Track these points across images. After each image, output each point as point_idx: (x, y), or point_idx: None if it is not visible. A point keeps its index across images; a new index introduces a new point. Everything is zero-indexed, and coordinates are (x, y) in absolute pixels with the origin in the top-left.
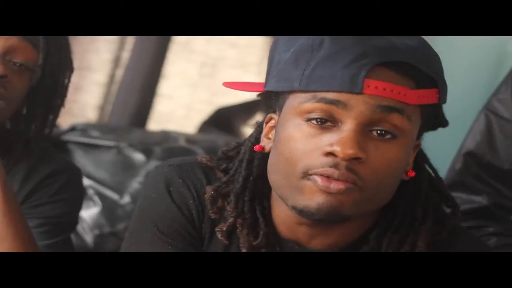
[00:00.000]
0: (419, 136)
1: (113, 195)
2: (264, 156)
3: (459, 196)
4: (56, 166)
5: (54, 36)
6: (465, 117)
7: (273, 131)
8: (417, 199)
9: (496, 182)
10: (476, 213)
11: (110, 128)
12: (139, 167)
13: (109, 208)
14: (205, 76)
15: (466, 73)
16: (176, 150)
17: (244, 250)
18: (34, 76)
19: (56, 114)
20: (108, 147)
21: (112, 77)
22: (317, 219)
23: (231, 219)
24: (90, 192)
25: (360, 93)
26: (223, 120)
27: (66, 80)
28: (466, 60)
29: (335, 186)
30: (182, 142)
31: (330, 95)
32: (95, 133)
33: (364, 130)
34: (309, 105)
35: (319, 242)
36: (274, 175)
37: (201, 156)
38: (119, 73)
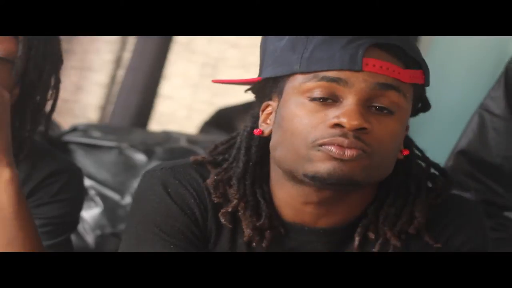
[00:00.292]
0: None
1: (115, 196)
2: (261, 143)
3: None
4: (57, 165)
5: None
6: (465, 117)
7: (271, 116)
8: (409, 176)
9: (488, 179)
10: None
11: (112, 128)
12: (140, 168)
13: (110, 209)
14: (206, 76)
15: (466, 73)
16: (178, 151)
17: (248, 231)
18: (15, 68)
19: (49, 109)
20: (110, 148)
21: (113, 77)
22: (328, 183)
23: (235, 201)
24: (92, 192)
25: (360, 70)
26: (224, 120)
27: (55, 73)
28: (466, 60)
29: (348, 153)
30: (183, 143)
31: (331, 74)
32: (96, 133)
33: (365, 105)
34: (310, 84)
35: (324, 222)
36: (280, 151)
37: (193, 156)
38: (120, 73)
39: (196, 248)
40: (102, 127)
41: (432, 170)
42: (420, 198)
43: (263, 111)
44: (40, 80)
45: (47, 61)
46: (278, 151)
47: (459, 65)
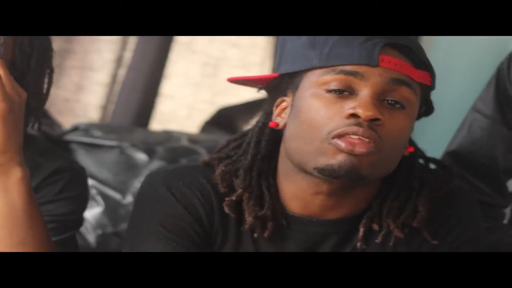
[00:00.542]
0: None
1: (116, 195)
2: (271, 137)
3: None
4: (60, 164)
5: None
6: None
7: (286, 111)
8: (412, 172)
9: (476, 180)
10: None
11: (113, 128)
12: (141, 167)
13: (111, 208)
14: (207, 76)
15: (467, 73)
16: (179, 150)
17: (249, 219)
18: None
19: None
20: (111, 147)
21: (114, 77)
22: (337, 176)
23: (239, 191)
24: (93, 192)
25: (376, 65)
26: (226, 120)
27: (46, 62)
28: (468, 60)
29: (358, 149)
30: (184, 142)
31: (349, 67)
32: (97, 133)
33: (378, 99)
34: (328, 77)
35: (332, 214)
36: (294, 142)
37: (200, 158)
38: (122, 73)
39: (198, 248)
40: (103, 126)
41: (433, 166)
42: (423, 193)
43: (277, 106)
44: (29, 68)
45: (34, 49)
46: (292, 143)
47: (460, 65)
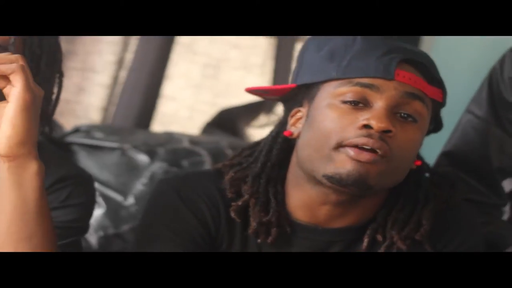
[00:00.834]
0: None
1: (117, 197)
2: (283, 146)
3: None
4: (67, 170)
5: None
6: None
7: (301, 121)
8: (418, 186)
9: (471, 179)
10: None
11: (114, 129)
12: (143, 169)
13: (113, 210)
14: (208, 77)
15: (469, 73)
16: (180, 152)
17: (254, 224)
18: None
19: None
20: (112, 149)
21: (115, 78)
22: (345, 185)
23: (246, 196)
24: None
25: (392, 79)
26: (227, 121)
27: (56, 65)
28: (469, 60)
29: (365, 156)
30: (186, 144)
31: (365, 80)
32: (98, 134)
33: (392, 111)
34: (344, 89)
35: (338, 223)
36: (306, 150)
37: (213, 166)
38: (123, 74)
39: (203, 250)
40: (104, 128)
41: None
42: (427, 207)
43: (292, 116)
44: (38, 70)
45: (43, 50)
46: (304, 151)
47: (461, 65)
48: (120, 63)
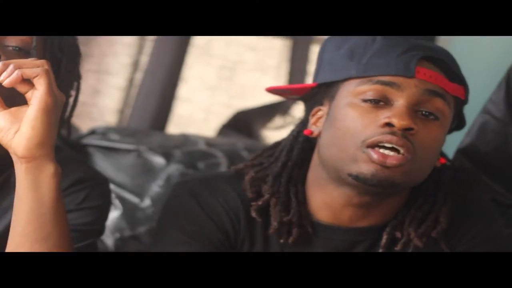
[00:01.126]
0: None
1: (134, 199)
2: (304, 146)
3: None
4: (83, 173)
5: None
6: None
7: (322, 120)
8: (439, 184)
9: (489, 179)
10: None
11: (130, 131)
12: (159, 171)
13: (129, 212)
14: (224, 79)
15: (485, 73)
16: (196, 154)
17: (274, 224)
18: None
19: (71, 106)
20: (128, 151)
21: (131, 80)
22: (370, 185)
23: (266, 196)
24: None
25: (412, 77)
26: (243, 123)
27: (75, 68)
28: (485, 60)
29: (390, 161)
30: (201, 146)
31: (386, 78)
32: (114, 136)
33: (413, 109)
34: (365, 87)
35: (361, 223)
36: (329, 150)
37: (233, 167)
38: (138, 76)
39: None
40: (120, 130)
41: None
42: (446, 205)
43: (313, 115)
44: (58, 73)
45: (64, 53)
46: (327, 150)
47: (478, 65)
48: (135, 65)
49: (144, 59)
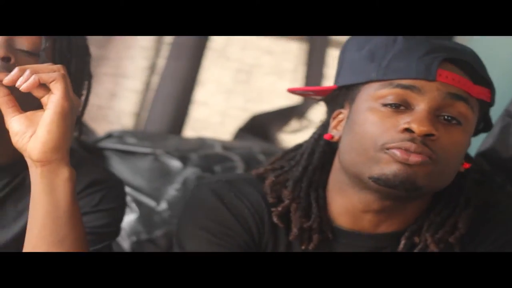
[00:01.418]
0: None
1: (150, 202)
2: (325, 149)
3: None
4: (98, 175)
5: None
6: None
7: (342, 123)
8: (461, 190)
9: (509, 183)
10: None
11: (147, 135)
12: (175, 174)
13: (146, 215)
14: (241, 82)
15: (506, 75)
16: (213, 157)
17: (295, 230)
18: (40, 61)
19: (82, 106)
20: (145, 154)
21: (147, 84)
22: (393, 186)
23: (287, 201)
24: (127, 199)
25: (434, 80)
26: (259, 127)
27: (85, 68)
28: (504, 61)
29: (413, 158)
30: (218, 149)
31: (406, 82)
32: (131, 140)
33: (435, 113)
34: (385, 91)
35: (382, 228)
36: (349, 154)
37: (254, 170)
38: (155, 80)
39: None
40: (137, 133)
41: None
42: (466, 211)
43: (334, 118)
44: (69, 73)
45: (73, 54)
46: (347, 155)
47: (497, 66)
48: (152, 68)
49: (161, 62)
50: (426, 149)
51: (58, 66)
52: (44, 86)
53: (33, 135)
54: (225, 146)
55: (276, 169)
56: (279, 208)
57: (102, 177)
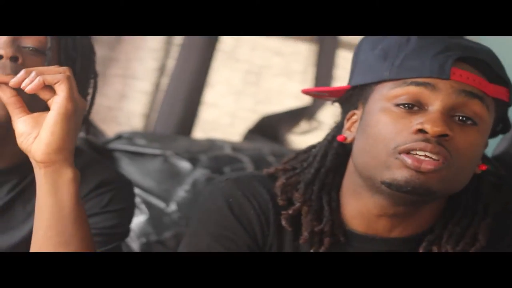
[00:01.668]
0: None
1: (160, 203)
2: (339, 151)
3: None
4: (106, 176)
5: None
6: None
7: (356, 124)
8: (479, 194)
9: None
10: None
11: (156, 136)
12: (185, 175)
13: (155, 216)
14: (250, 84)
15: None
16: (222, 158)
17: (305, 234)
18: (47, 60)
19: (88, 106)
20: (154, 155)
21: (157, 85)
22: (405, 191)
23: (298, 204)
24: (137, 200)
25: (448, 78)
26: (269, 128)
27: (90, 66)
28: None
29: (425, 166)
30: (228, 150)
31: (420, 79)
32: (141, 141)
33: (449, 113)
34: (398, 90)
35: (397, 232)
36: (361, 157)
37: (265, 169)
38: (164, 81)
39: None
40: (146, 134)
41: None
42: (485, 220)
43: (348, 119)
44: (74, 72)
45: (78, 53)
46: (359, 158)
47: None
48: (161, 69)
49: (170, 63)
50: (442, 149)
51: (64, 68)
52: (50, 88)
53: (37, 136)
54: (235, 147)
55: (288, 170)
56: (290, 211)
57: (111, 178)
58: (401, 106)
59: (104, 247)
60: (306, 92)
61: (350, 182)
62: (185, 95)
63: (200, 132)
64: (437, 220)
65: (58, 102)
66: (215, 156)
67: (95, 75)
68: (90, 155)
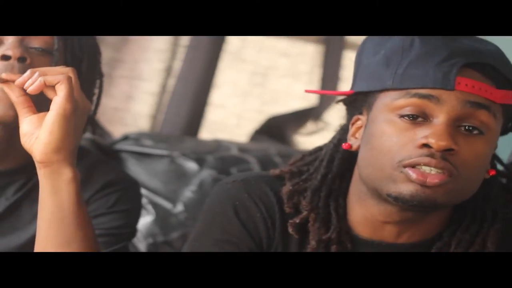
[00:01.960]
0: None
1: (166, 204)
2: (345, 156)
3: None
4: (113, 176)
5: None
6: None
7: (361, 131)
8: (488, 200)
9: None
10: None
11: (163, 137)
12: (191, 176)
13: (162, 217)
14: (256, 85)
15: None
16: (229, 159)
17: (313, 243)
18: (54, 60)
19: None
20: (161, 156)
21: (163, 86)
22: (411, 205)
23: (305, 213)
24: (144, 201)
25: (452, 89)
26: (275, 129)
27: (96, 67)
28: None
29: (431, 180)
30: (234, 151)
31: (424, 91)
32: (147, 142)
33: (454, 125)
34: (402, 101)
35: (404, 238)
36: (367, 169)
37: (272, 170)
38: (171, 82)
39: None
40: (153, 135)
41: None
42: (494, 227)
43: (353, 124)
44: (80, 72)
45: (84, 53)
46: (364, 169)
47: None
48: (168, 71)
49: (177, 64)
50: (447, 164)
51: (68, 68)
52: (54, 89)
53: (38, 136)
54: (241, 148)
55: (294, 173)
56: (297, 220)
57: (118, 178)
58: (405, 118)
59: (111, 248)
60: (310, 92)
61: (356, 188)
62: (192, 96)
63: (207, 133)
64: (446, 226)
65: (57, 102)
66: (222, 157)
67: (101, 76)
68: (97, 156)
